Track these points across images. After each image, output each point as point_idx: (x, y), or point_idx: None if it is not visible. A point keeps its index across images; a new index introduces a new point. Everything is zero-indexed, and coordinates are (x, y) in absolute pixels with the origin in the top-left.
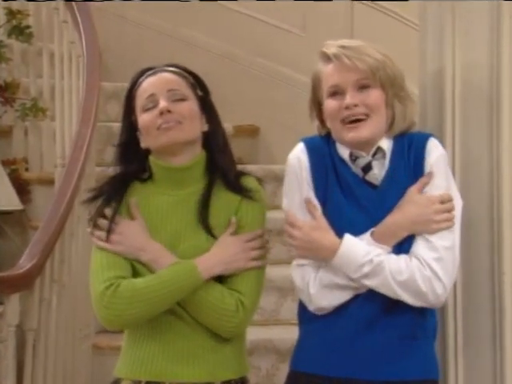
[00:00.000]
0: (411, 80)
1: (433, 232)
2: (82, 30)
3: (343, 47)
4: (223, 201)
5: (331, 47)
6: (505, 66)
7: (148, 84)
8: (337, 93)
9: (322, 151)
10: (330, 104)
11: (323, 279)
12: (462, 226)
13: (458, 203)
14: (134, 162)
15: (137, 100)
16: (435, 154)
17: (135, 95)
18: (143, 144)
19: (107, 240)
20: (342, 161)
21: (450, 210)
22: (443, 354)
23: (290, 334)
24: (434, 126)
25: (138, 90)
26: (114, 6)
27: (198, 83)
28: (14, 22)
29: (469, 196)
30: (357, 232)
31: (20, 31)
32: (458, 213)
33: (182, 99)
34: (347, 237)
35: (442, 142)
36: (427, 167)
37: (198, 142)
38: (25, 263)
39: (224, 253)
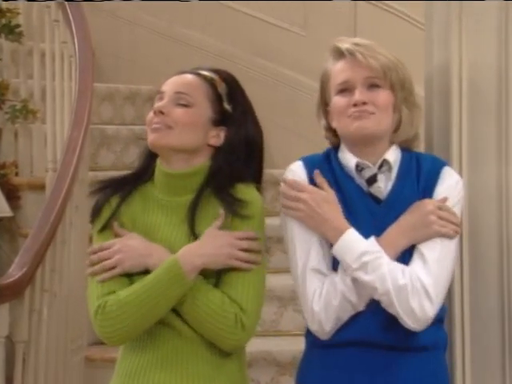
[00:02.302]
0: (416, 80)
1: (432, 237)
2: (74, 29)
3: (357, 44)
4: (217, 209)
5: (345, 43)
6: None
7: (166, 82)
8: (346, 89)
9: (321, 168)
10: (338, 101)
11: (325, 295)
12: (470, 233)
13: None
14: (151, 161)
15: None
16: (448, 181)
17: None
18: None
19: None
20: (345, 174)
21: (448, 219)
22: (450, 367)
23: (291, 346)
24: (440, 126)
25: None
26: (108, 4)
27: (230, 96)
28: (4, 21)
29: (477, 201)
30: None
31: (10, 30)
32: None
33: (186, 105)
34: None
35: (448, 143)
36: (438, 194)
37: (197, 152)
38: (14, 272)
39: (207, 244)
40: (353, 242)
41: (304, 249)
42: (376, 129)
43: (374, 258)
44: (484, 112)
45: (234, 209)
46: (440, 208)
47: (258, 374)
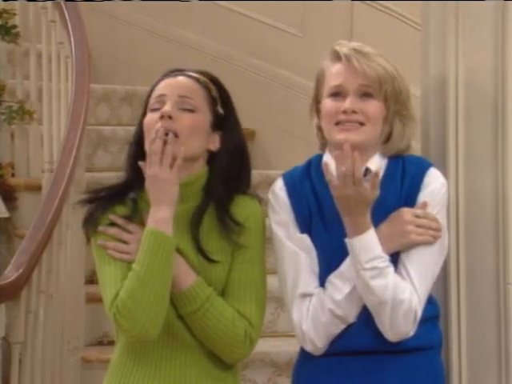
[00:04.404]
0: (413, 82)
1: (410, 246)
2: (70, 30)
3: (355, 50)
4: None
5: (343, 47)
6: (510, 69)
7: (163, 84)
8: (338, 94)
9: (301, 185)
10: (328, 104)
11: (312, 311)
12: (467, 233)
13: (444, 242)
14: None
15: (150, 99)
16: (432, 185)
17: (151, 94)
18: (146, 147)
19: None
20: (326, 182)
21: (427, 226)
22: (447, 365)
23: (288, 347)
24: (436, 131)
25: (155, 89)
26: (105, 5)
27: (221, 99)
28: (0, 22)
29: (473, 204)
30: (343, 258)
31: (6, 31)
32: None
33: (191, 110)
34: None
35: (444, 148)
36: (421, 199)
37: (198, 158)
38: (11, 273)
39: (151, 192)
40: (370, 243)
41: (293, 272)
42: (361, 141)
43: (385, 265)
44: (480, 113)
45: (232, 237)
46: (418, 216)
47: (254, 374)
